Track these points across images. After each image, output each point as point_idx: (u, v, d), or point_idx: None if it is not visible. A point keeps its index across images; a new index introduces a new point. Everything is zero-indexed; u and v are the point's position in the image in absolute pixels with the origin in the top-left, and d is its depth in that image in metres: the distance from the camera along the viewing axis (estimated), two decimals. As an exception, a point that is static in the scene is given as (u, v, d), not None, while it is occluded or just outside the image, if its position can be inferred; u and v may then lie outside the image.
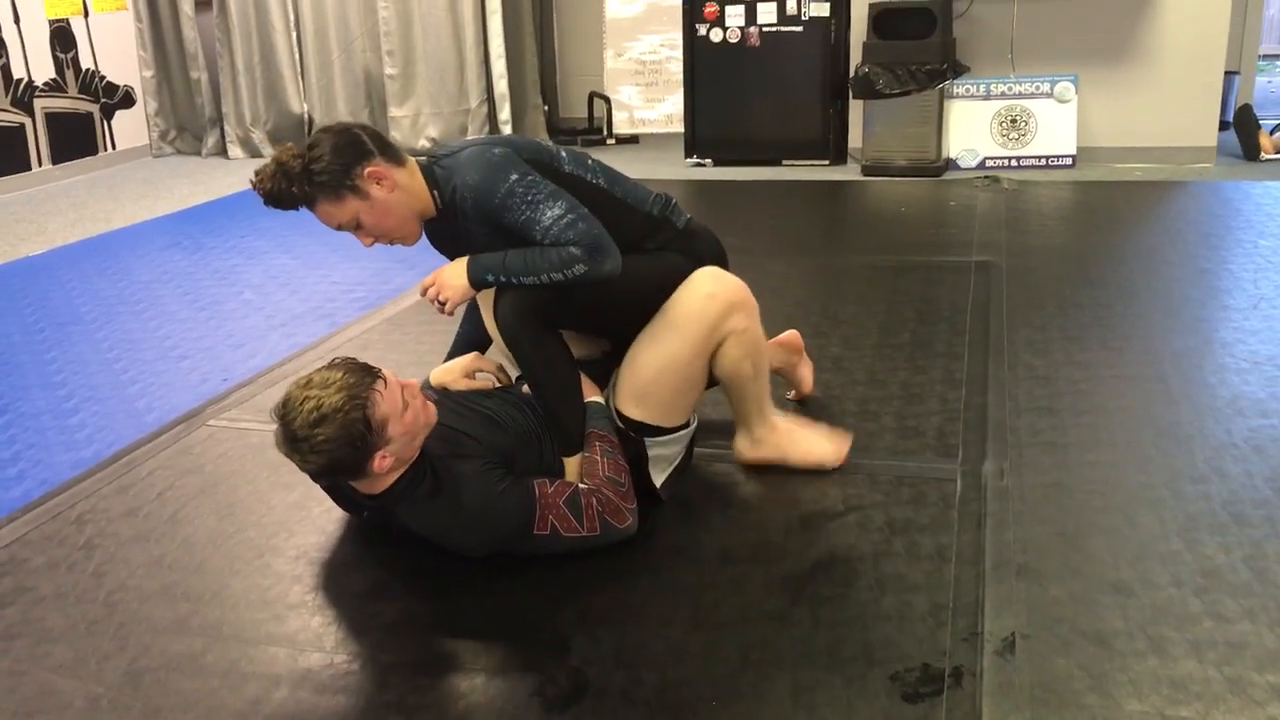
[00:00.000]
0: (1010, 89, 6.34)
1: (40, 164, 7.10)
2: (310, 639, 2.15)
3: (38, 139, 7.08)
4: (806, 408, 3.11)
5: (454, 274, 2.42)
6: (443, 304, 2.45)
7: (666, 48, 7.66)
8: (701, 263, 2.58)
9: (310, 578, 2.39)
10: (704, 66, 6.72)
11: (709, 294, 2.50)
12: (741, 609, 2.19)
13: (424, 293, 2.48)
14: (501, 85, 7.35)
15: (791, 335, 3.15)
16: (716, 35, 6.66)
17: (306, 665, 2.07)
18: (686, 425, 2.61)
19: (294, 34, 7.62)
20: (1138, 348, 3.47)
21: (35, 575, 2.43)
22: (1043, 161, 6.32)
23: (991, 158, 6.37)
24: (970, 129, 6.40)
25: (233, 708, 1.96)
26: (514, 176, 2.34)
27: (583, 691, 1.97)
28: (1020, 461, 2.73)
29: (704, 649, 2.08)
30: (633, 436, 2.53)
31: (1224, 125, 6.51)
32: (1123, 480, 2.63)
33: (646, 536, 2.45)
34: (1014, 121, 6.35)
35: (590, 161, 2.55)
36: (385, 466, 2.19)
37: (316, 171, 2.33)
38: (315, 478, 2.31)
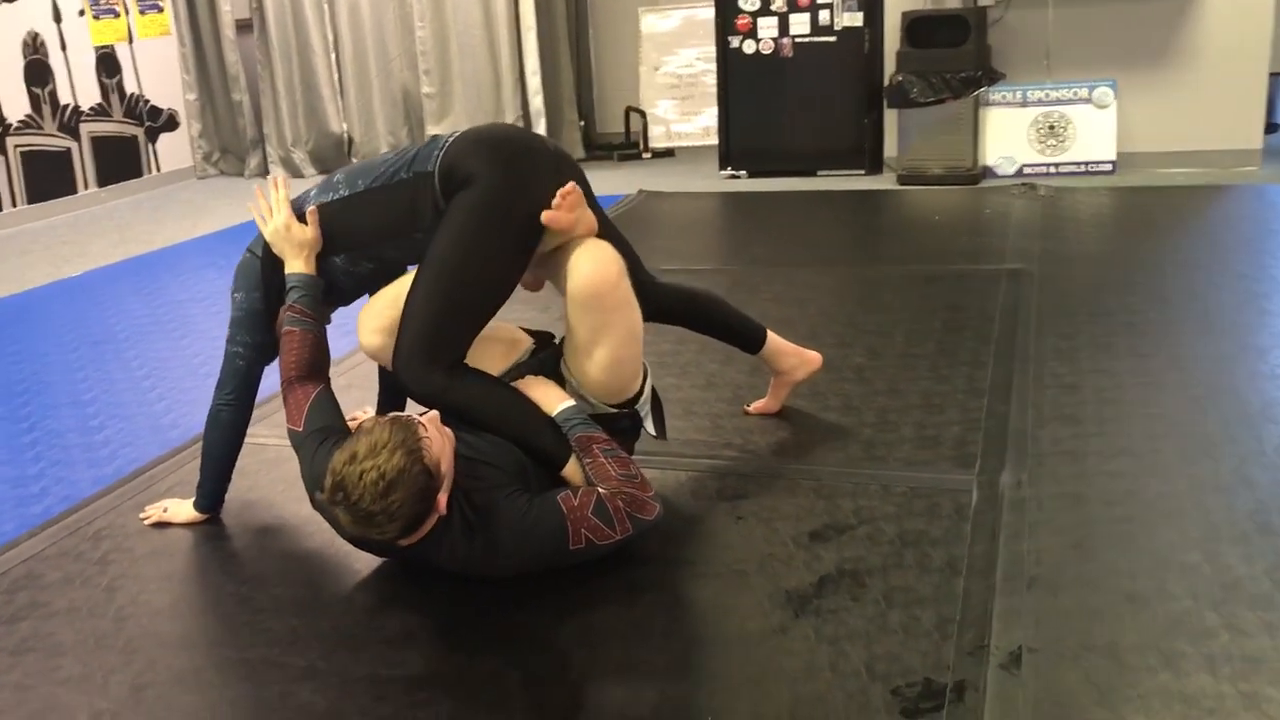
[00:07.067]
0: (1047, 95, 6.26)
1: (86, 187, 7.24)
2: (312, 652, 2.15)
3: (84, 163, 7.22)
4: (817, 409, 3.08)
5: None
6: None
7: (703, 61, 7.65)
8: (470, 177, 2.40)
9: (316, 592, 2.40)
10: (737, 78, 6.71)
11: (602, 278, 2.41)
12: (744, 623, 2.16)
13: None
14: (537, 101, 7.37)
15: (815, 355, 3.11)
16: (750, 47, 6.65)
17: (307, 679, 2.07)
18: (646, 375, 2.64)
19: (333, 55, 7.71)
20: (1168, 355, 3.40)
21: (50, 590, 2.46)
22: (1082, 168, 6.22)
23: (1029, 165, 6.28)
24: (1007, 136, 6.32)
25: (231, 722, 1.97)
26: (233, 286, 2.64)
27: (580, 708, 1.95)
28: (1039, 471, 2.68)
29: (705, 664, 2.06)
30: (626, 413, 2.56)
31: (1271, 128, 6.37)
32: (1143, 490, 2.57)
33: (655, 551, 2.43)
34: (1052, 128, 6.27)
35: (336, 178, 2.60)
36: (444, 504, 2.18)
37: None
38: (389, 541, 2.21)
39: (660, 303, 2.78)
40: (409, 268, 2.59)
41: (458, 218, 2.40)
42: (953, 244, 4.97)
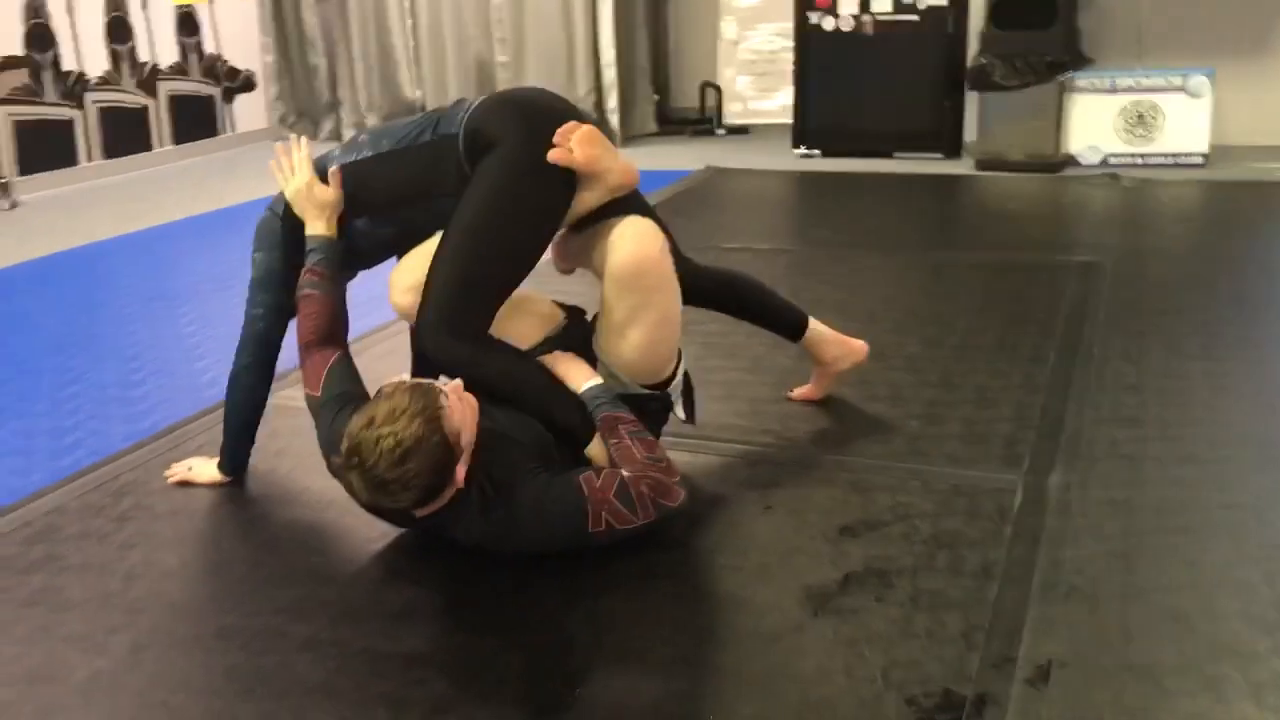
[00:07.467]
0: (1138, 83, 6.00)
1: (162, 145, 7.31)
2: (316, 623, 2.10)
3: (161, 121, 7.29)
4: (863, 398, 2.96)
5: None
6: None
7: (783, 37, 7.47)
8: (494, 141, 2.33)
9: (329, 560, 2.36)
10: (815, 56, 6.55)
11: (645, 255, 2.34)
12: (760, 619, 2.06)
13: None
14: (610, 74, 7.27)
15: (860, 345, 2.99)
16: (829, 24, 6.48)
17: (306, 650, 2.01)
18: (680, 358, 2.57)
19: (409, 21, 7.69)
20: (1242, 358, 3.21)
21: (66, 544, 2.44)
22: (1171, 160, 5.96)
23: (1115, 155, 6.03)
24: (1093, 124, 6.07)
25: (224, 689, 1.92)
26: (253, 245, 2.62)
27: (576, 697, 1.87)
28: (1091, 474, 2.53)
29: (713, 660, 1.96)
30: (657, 395, 2.49)
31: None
32: (1202, 500, 2.41)
33: (677, 537, 2.34)
34: (1141, 117, 6.01)
35: (361, 138, 2.56)
36: (463, 476, 2.12)
37: None
38: (403, 510, 2.18)
39: (696, 286, 2.69)
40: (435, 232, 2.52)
41: (482, 182, 2.33)
42: (1026, 233, 4.79)
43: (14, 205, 6.09)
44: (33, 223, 5.76)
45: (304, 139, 2.62)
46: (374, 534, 2.40)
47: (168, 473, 2.72)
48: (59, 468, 2.84)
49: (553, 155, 2.32)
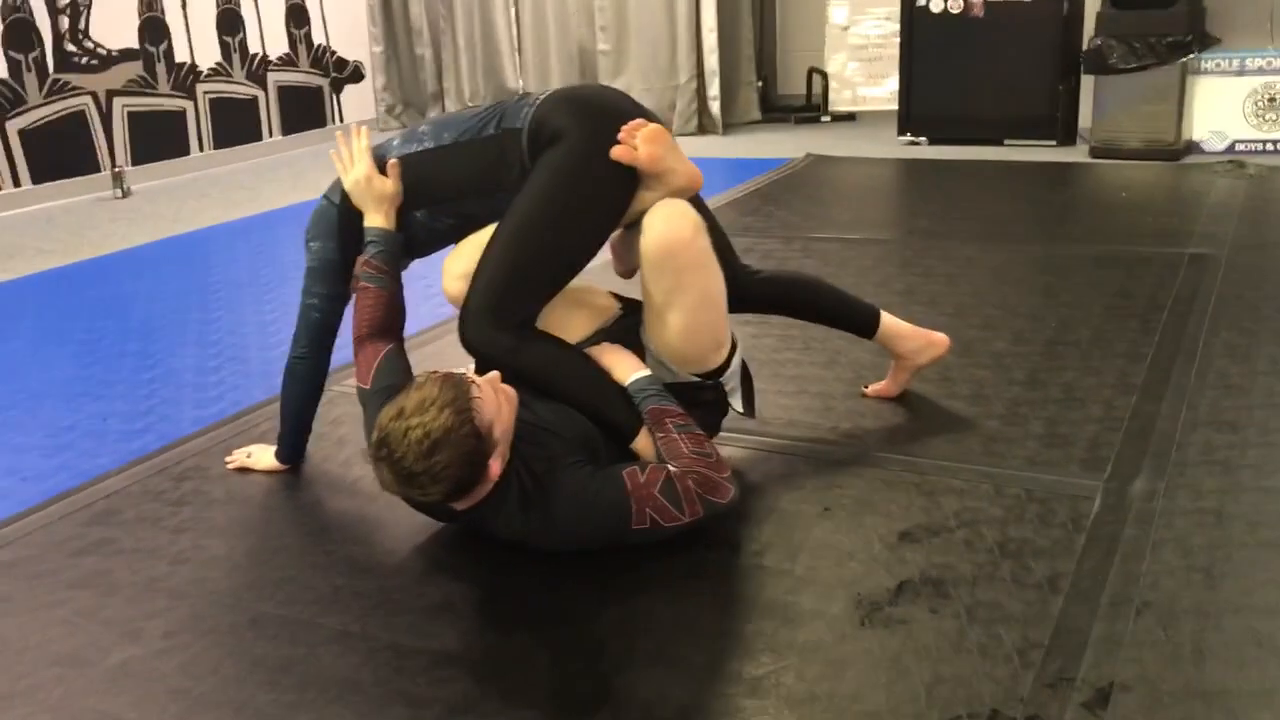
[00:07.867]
0: (1270, 64, 5.65)
1: (271, 135, 7.45)
2: (348, 615, 2.06)
3: (270, 111, 7.43)
4: (942, 395, 2.81)
5: None
6: None
7: (893, 21, 7.27)
8: (556, 135, 2.28)
9: (371, 551, 2.32)
10: (923, 39, 6.34)
11: (675, 236, 2.25)
12: (802, 629, 1.95)
13: None
14: (712, 60, 7.16)
15: (942, 338, 2.84)
16: (937, 5, 6.26)
17: (335, 642, 1.98)
18: (735, 349, 2.47)
19: (513, 10, 7.70)
20: (1363, 358, 2.96)
21: (122, 527, 2.46)
22: (1304, 146, 5.60)
23: (1242, 141, 5.70)
24: (1219, 109, 5.74)
25: (248, 679, 1.90)
26: (308, 234, 2.57)
27: (603, 699, 1.79)
28: (1179, 482, 2.35)
29: (748, 670, 1.86)
30: (709, 385, 2.41)
31: None
32: (1301, 513, 2.22)
33: (724, 537, 2.24)
34: (1272, 100, 5.66)
35: (421, 130, 2.49)
36: (497, 470, 2.06)
37: None
38: (434, 504, 2.15)
39: (757, 292, 2.63)
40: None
41: (542, 174, 2.27)
42: (1138, 224, 4.53)
43: (126, 194, 6.27)
44: (142, 211, 5.91)
45: (364, 128, 2.58)
46: (419, 527, 2.36)
47: (228, 459, 2.73)
48: (128, 451, 2.87)
49: (616, 152, 2.25)
